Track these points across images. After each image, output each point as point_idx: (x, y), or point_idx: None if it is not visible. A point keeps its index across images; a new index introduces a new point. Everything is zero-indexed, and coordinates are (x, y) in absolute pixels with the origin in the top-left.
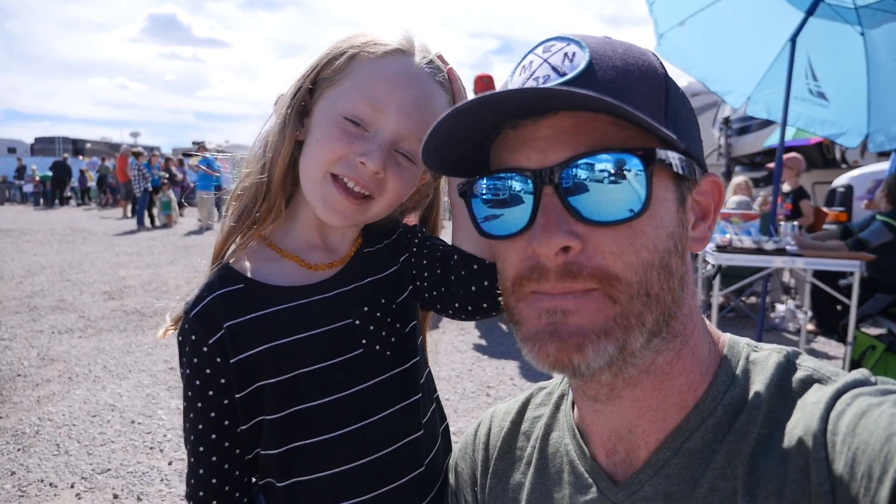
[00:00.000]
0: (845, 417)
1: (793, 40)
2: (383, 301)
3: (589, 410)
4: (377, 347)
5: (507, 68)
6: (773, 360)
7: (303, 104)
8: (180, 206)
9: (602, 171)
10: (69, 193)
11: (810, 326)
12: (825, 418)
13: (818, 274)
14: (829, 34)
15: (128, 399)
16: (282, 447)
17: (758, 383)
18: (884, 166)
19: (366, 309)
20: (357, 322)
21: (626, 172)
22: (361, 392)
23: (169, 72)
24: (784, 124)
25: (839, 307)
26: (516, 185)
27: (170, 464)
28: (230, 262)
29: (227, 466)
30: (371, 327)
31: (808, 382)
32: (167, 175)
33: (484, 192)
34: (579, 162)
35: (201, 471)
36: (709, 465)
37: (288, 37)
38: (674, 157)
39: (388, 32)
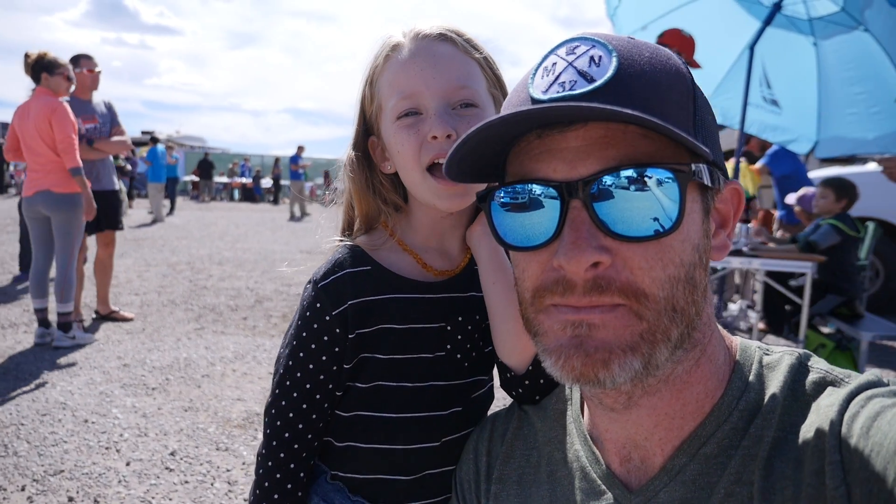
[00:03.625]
0: (859, 419)
1: (751, 48)
2: (477, 318)
3: (603, 418)
4: (457, 356)
5: None
6: (785, 362)
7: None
8: (130, 197)
9: (634, 185)
10: (10, 181)
11: (761, 325)
12: (839, 421)
13: (770, 275)
14: (783, 44)
15: (80, 397)
16: (350, 412)
17: (772, 387)
18: (826, 172)
19: (460, 319)
20: (448, 328)
21: (657, 187)
22: (430, 388)
23: (115, 58)
24: (742, 130)
25: (788, 307)
26: (541, 196)
27: (127, 464)
28: (360, 243)
29: (310, 436)
30: (458, 336)
31: (821, 385)
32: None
33: (506, 200)
34: (610, 176)
35: (298, 426)
36: (725, 471)
37: (241, 26)
38: (703, 169)
39: (376, 46)
